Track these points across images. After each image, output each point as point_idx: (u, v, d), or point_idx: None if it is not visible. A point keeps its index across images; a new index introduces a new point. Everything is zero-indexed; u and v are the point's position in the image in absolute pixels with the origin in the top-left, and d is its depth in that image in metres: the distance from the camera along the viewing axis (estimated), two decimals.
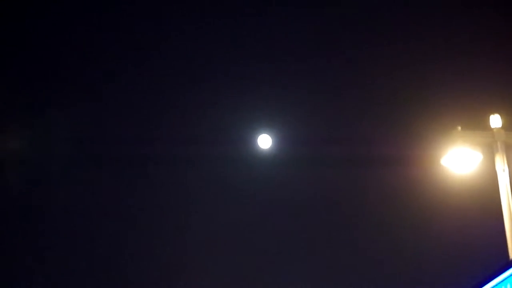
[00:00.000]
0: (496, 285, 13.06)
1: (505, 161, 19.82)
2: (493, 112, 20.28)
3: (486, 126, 20.32)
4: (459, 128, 20.02)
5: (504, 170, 19.70)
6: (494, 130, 19.93)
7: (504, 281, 12.36)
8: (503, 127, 20.02)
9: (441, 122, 21.17)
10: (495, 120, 20.09)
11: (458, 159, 20.23)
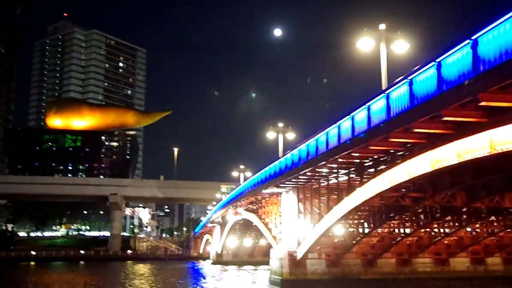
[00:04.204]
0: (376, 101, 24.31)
1: (386, 47, 29.51)
2: (381, 22, 29.78)
3: (376, 28, 29.70)
4: (365, 29, 29.65)
5: (385, 52, 29.62)
6: (381, 30, 29.59)
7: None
8: (386, 29, 29.62)
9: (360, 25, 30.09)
10: (382, 25, 29.69)
11: (363, 44, 29.96)
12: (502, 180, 32.51)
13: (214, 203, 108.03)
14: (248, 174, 78.58)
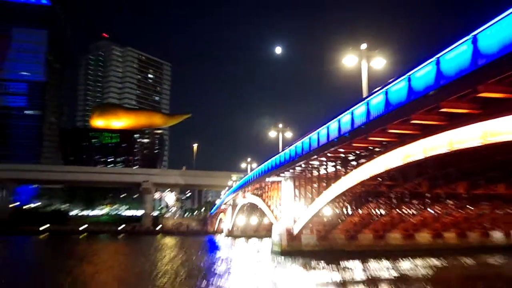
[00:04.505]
0: (357, 107, 24.30)
1: (367, 62, 29.36)
2: (363, 42, 29.50)
3: (358, 47, 29.43)
4: (351, 48, 29.51)
5: (365, 67, 29.39)
6: (362, 50, 29.40)
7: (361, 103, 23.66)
8: (367, 48, 29.39)
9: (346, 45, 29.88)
10: (364, 45, 29.40)
11: (348, 60, 29.69)
12: (457, 171, 32.63)
13: (226, 188, 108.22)
14: (254, 165, 78.73)
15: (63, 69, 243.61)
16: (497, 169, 29.97)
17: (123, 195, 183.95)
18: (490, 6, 16.16)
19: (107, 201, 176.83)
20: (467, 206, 47.32)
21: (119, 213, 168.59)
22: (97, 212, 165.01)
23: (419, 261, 41.79)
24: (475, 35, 15.95)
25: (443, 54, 17.84)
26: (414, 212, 47.64)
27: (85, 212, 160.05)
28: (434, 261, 42.02)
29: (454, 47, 17.17)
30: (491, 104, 17.38)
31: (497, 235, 57.47)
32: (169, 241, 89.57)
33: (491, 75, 15.47)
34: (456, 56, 17.06)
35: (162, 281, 29.70)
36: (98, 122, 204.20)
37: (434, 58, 18.36)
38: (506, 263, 42.87)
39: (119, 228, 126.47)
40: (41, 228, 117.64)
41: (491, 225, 55.49)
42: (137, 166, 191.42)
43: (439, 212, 50.04)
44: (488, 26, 15.37)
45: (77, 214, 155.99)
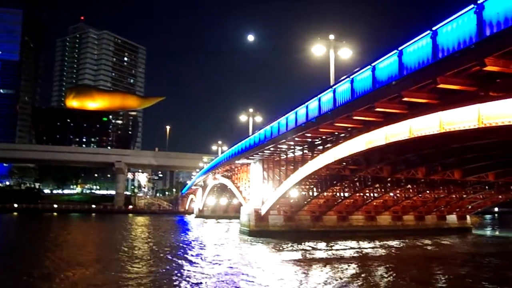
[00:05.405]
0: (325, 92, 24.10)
1: (334, 52, 29.33)
2: (331, 33, 29.35)
3: (327, 38, 29.21)
4: (319, 38, 29.37)
5: (333, 56, 29.26)
6: (330, 40, 29.27)
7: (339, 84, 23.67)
8: (334, 39, 29.29)
9: (315, 35, 29.65)
10: (331, 36, 29.21)
11: (316, 50, 29.50)
12: (417, 157, 33.41)
13: (197, 170, 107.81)
14: (225, 148, 78.51)
15: (39, 49, 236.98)
16: (453, 156, 30.82)
17: (96, 174, 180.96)
18: (451, 2, 16.43)
19: (80, 181, 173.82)
20: (425, 190, 48.65)
21: (92, 192, 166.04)
22: (70, 191, 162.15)
23: (379, 242, 42.83)
24: (435, 30, 16.20)
25: (406, 46, 18.08)
26: (376, 195, 48.66)
27: (57, 191, 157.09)
28: (394, 242, 43.14)
29: (416, 40, 17.42)
30: (449, 95, 17.79)
31: (452, 218, 59.36)
32: (140, 220, 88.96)
33: (450, 67, 15.79)
34: (417, 48, 17.32)
35: (125, 260, 29.53)
36: (73, 102, 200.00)
37: (397, 50, 18.57)
38: (459, 244, 44.40)
39: (92, 207, 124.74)
40: (13, 206, 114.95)
41: (446, 209, 57.22)
42: (110, 147, 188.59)
43: (399, 195, 51.28)
44: (448, 22, 15.63)
45: (49, 193, 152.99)
